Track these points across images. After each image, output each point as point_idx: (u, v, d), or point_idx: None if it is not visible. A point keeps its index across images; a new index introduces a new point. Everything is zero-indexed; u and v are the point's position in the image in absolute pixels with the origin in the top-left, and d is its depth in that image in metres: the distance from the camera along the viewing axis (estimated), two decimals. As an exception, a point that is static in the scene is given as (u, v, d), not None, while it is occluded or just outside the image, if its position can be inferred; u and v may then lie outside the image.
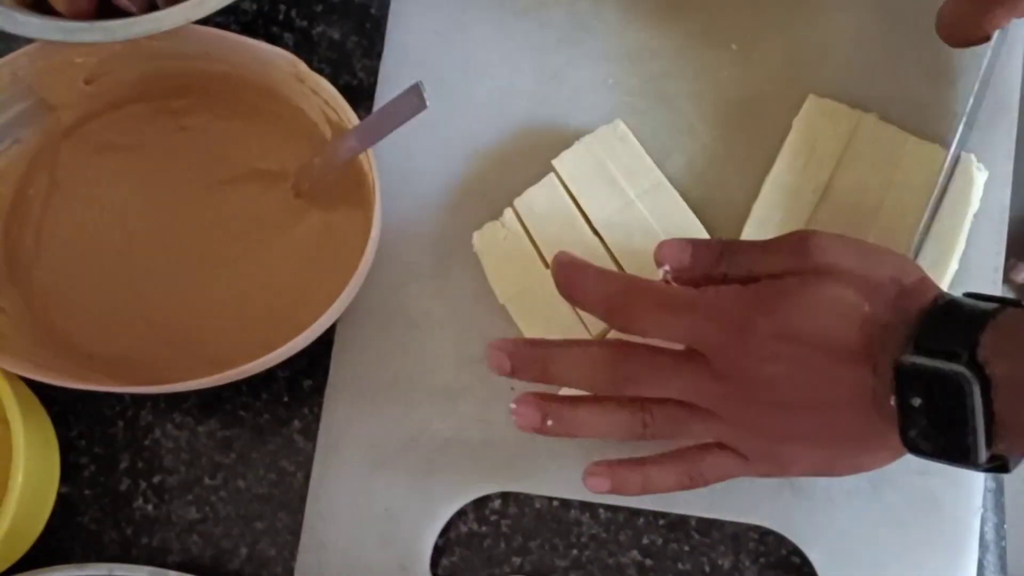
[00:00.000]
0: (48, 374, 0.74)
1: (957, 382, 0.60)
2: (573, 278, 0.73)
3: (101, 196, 0.83)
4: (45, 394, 0.82)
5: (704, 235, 0.79)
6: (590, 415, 0.73)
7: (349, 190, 0.79)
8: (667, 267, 0.72)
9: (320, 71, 0.81)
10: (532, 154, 0.81)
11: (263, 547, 0.82)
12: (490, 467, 0.79)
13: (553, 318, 0.78)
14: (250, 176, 0.83)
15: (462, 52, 0.84)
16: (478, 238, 0.80)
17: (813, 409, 0.68)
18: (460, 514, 0.80)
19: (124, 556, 0.82)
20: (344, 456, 0.81)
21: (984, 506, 0.77)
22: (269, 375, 0.83)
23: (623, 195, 0.79)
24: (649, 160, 0.80)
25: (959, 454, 0.62)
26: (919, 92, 0.80)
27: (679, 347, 0.71)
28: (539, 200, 0.80)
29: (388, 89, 0.83)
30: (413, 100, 0.72)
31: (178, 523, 0.83)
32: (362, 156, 0.76)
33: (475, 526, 0.81)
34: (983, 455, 0.61)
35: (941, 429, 0.62)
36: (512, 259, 0.80)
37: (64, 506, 0.83)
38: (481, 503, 0.81)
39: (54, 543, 0.82)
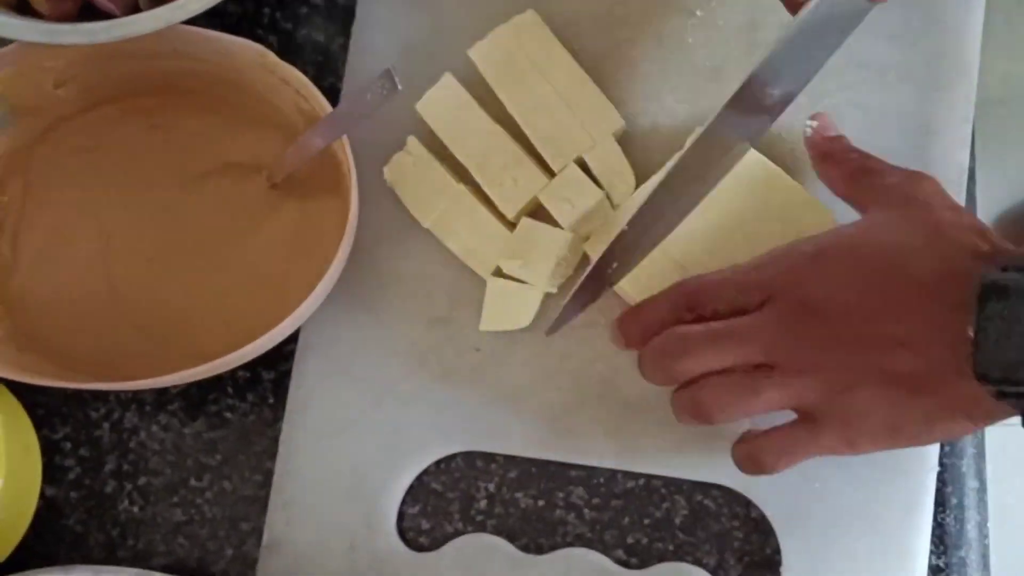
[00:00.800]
0: (29, 375, 0.73)
1: None
2: (638, 319, 0.74)
3: (76, 199, 0.82)
4: (29, 397, 0.82)
5: (615, 117, 0.80)
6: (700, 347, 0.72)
7: (324, 178, 0.79)
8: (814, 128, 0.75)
9: (305, 73, 0.80)
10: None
11: (249, 548, 0.81)
12: (455, 426, 0.80)
13: (476, 228, 0.80)
14: (224, 170, 0.82)
15: (430, 25, 0.84)
16: (388, 171, 0.81)
17: (886, 344, 0.66)
18: (425, 473, 0.80)
19: (110, 558, 0.82)
20: (312, 415, 0.81)
21: (966, 504, 0.78)
22: (255, 376, 0.83)
23: (536, 82, 0.80)
24: (561, 47, 0.81)
25: None
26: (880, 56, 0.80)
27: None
28: (439, 100, 0.81)
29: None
30: (386, 84, 0.72)
31: (164, 525, 0.82)
32: (336, 143, 0.76)
33: (440, 485, 0.81)
34: None
35: (1020, 348, 0.59)
36: (424, 183, 0.80)
37: (49, 508, 0.82)
38: (447, 462, 0.81)
39: (39, 546, 0.81)
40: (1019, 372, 0.60)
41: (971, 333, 0.61)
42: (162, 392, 0.83)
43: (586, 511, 0.80)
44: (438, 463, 0.81)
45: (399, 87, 0.72)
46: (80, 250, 0.82)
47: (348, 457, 0.80)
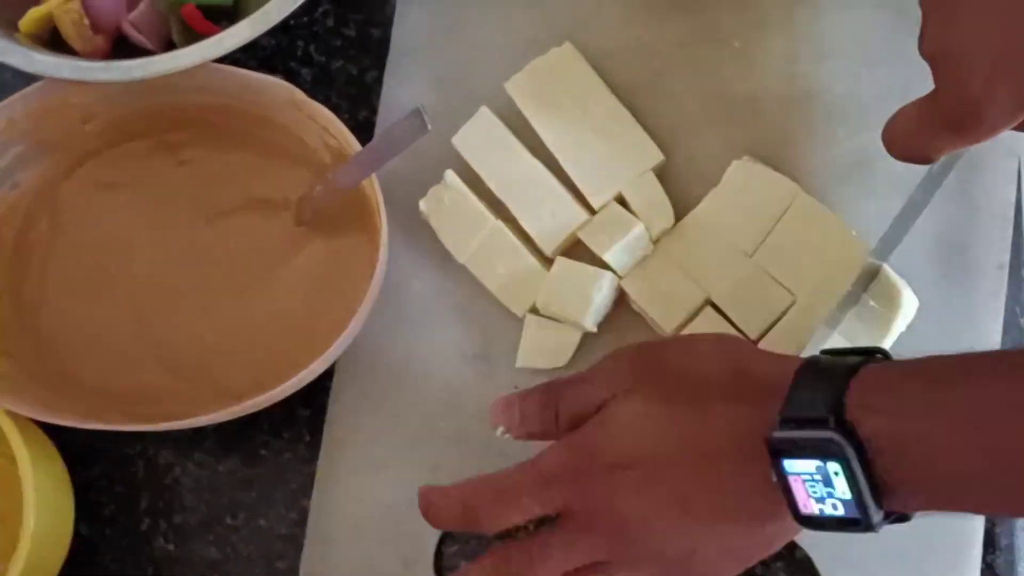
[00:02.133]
0: (59, 415, 0.72)
1: (830, 449, 0.57)
2: (426, 507, 0.69)
3: (103, 235, 0.81)
4: (62, 434, 0.79)
5: (654, 151, 0.77)
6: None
7: (352, 216, 0.77)
8: (501, 428, 0.70)
9: (339, 106, 0.79)
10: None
11: (285, 587, 0.80)
12: (492, 466, 0.75)
13: (513, 265, 0.77)
14: (251, 206, 0.81)
15: (463, 53, 0.82)
16: (424, 204, 0.78)
17: (705, 521, 0.63)
18: None
19: None
20: (348, 453, 0.79)
21: (1016, 545, 0.76)
22: (290, 413, 0.81)
23: (574, 116, 0.78)
24: (599, 80, 0.79)
25: (852, 521, 0.58)
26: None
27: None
28: (475, 134, 0.79)
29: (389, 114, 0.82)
30: (415, 123, 0.71)
31: (199, 563, 0.80)
32: (365, 182, 0.74)
33: None
34: (876, 517, 0.58)
35: (827, 499, 0.58)
36: (461, 217, 0.78)
37: (84, 546, 0.81)
38: None
39: None
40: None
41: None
42: (196, 429, 0.81)
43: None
44: None
45: (428, 127, 0.70)
46: (107, 286, 0.81)
47: (385, 496, 0.78)
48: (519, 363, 0.78)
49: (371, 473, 0.79)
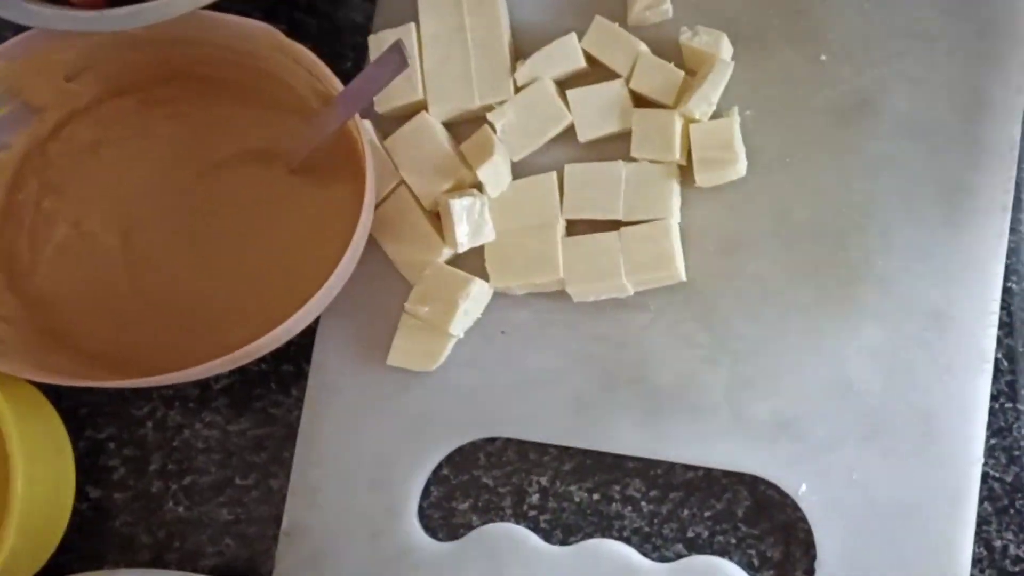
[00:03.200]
0: (52, 375, 0.70)
1: None
2: None
3: (93, 194, 0.79)
4: (71, 397, 0.79)
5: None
6: None
7: (341, 161, 0.75)
8: None
9: (345, 56, 0.77)
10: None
11: (297, 548, 0.78)
12: (481, 412, 0.75)
13: (412, 233, 0.76)
14: (242, 156, 0.79)
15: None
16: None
17: None
18: (449, 460, 0.76)
19: (157, 560, 0.78)
20: (335, 400, 0.77)
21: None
22: (299, 371, 0.79)
23: None
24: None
25: None
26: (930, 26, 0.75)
27: None
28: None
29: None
30: (395, 59, 0.69)
31: (211, 525, 0.78)
32: (351, 124, 0.72)
33: (464, 473, 0.76)
34: None
35: None
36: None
37: (95, 510, 0.79)
38: (474, 450, 0.76)
39: (85, 548, 0.78)
40: None
41: None
42: (206, 389, 0.80)
43: (643, 504, 0.75)
44: (461, 449, 0.76)
45: (408, 62, 0.68)
46: (99, 245, 0.79)
47: (370, 443, 0.76)
48: (389, 361, 0.75)
49: (357, 421, 0.76)
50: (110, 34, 0.72)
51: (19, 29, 0.73)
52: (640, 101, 0.76)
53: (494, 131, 0.76)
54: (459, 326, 0.74)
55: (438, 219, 0.76)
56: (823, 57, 0.75)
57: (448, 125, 0.78)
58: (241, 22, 0.73)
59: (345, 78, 0.72)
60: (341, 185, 0.76)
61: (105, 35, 0.73)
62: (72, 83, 0.77)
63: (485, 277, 0.75)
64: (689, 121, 0.74)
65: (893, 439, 0.71)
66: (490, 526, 0.75)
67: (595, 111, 0.75)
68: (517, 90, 0.76)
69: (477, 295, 0.74)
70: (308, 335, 0.77)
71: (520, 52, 0.77)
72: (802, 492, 0.72)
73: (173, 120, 0.80)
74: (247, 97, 0.78)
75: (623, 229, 0.74)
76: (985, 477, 0.72)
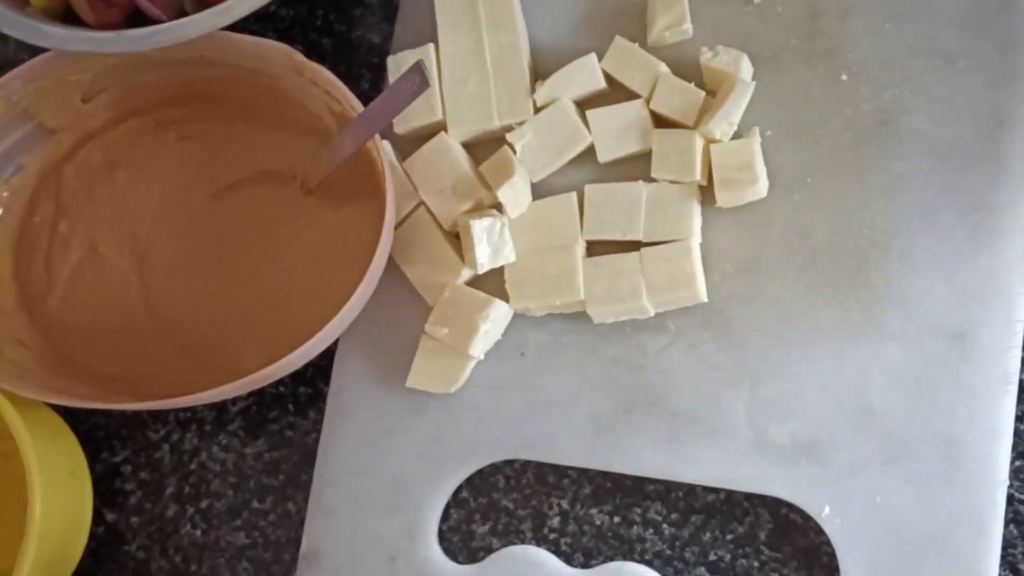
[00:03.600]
0: (68, 398, 0.70)
1: None
2: None
3: (108, 216, 0.79)
4: (86, 420, 0.78)
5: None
6: None
7: (359, 182, 0.75)
8: None
9: (361, 76, 0.76)
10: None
11: (315, 572, 0.77)
12: (499, 434, 0.74)
13: (430, 254, 0.75)
14: (257, 178, 0.79)
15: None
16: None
17: None
18: (469, 482, 0.75)
19: None
20: (353, 421, 0.76)
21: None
22: (316, 393, 0.78)
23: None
24: None
25: None
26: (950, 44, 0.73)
27: None
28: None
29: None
30: (416, 79, 0.68)
31: (227, 549, 0.77)
32: (369, 144, 0.71)
33: (484, 496, 0.75)
34: None
35: None
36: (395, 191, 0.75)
37: (110, 534, 0.78)
38: (493, 472, 0.76)
39: (101, 573, 0.78)
40: None
41: None
42: (222, 412, 0.79)
43: (665, 527, 0.74)
44: (481, 472, 0.75)
45: (430, 83, 0.68)
46: (114, 268, 0.79)
47: (389, 465, 0.75)
48: (408, 383, 0.74)
49: (375, 443, 0.75)
50: (126, 55, 0.72)
51: (35, 51, 0.72)
52: (660, 121, 0.75)
53: (514, 152, 0.75)
54: (479, 348, 0.73)
55: (458, 240, 0.75)
56: (843, 77, 0.74)
57: (467, 146, 0.77)
58: (257, 42, 0.72)
59: (362, 99, 0.71)
60: (359, 206, 0.76)
61: (121, 56, 0.72)
62: (88, 105, 0.77)
63: (505, 298, 0.74)
64: (710, 141, 0.73)
65: (916, 462, 0.70)
66: (510, 548, 0.74)
67: (615, 131, 0.74)
68: (537, 110, 0.76)
69: (497, 316, 0.73)
70: (327, 356, 0.76)
71: (539, 73, 0.77)
72: (825, 515, 0.70)
73: (187, 141, 0.80)
74: (263, 118, 0.78)
75: (643, 250, 0.73)
76: (1010, 499, 0.71)
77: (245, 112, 0.78)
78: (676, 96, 0.74)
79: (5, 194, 0.77)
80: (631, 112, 0.74)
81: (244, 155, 0.79)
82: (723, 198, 0.73)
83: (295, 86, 0.74)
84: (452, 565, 0.74)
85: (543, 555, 0.73)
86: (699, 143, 0.73)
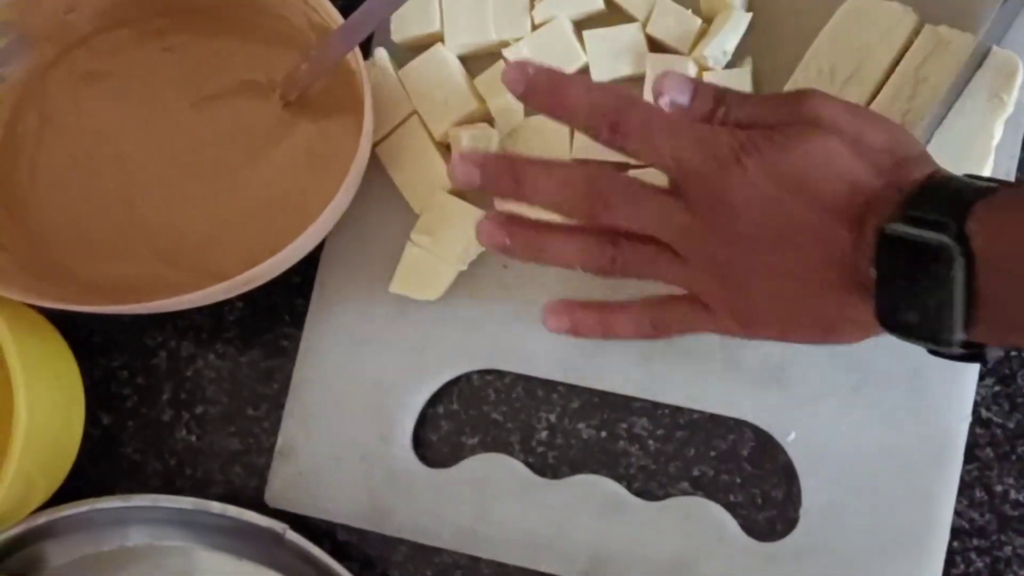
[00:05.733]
0: (50, 300, 0.70)
1: (941, 253, 0.54)
2: (558, 88, 0.66)
3: (91, 125, 0.78)
4: (84, 325, 0.78)
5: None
6: (555, 239, 0.68)
7: (340, 95, 0.74)
8: (666, 99, 0.65)
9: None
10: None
11: (306, 479, 0.76)
12: (480, 343, 0.75)
13: (417, 161, 0.76)
14: (238, 89, 0.78)
15: None
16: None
17: (781, 254, 0.61)
18: (460, 394, 0.77)
19: (167, 487, 0.78)
20: (334, 323, 0.77)
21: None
22: (309, 304, 0.78)
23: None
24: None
25: (934, 332, 0.56)
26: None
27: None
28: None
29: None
30: None
31: (221, 454, 0.78)
32: (349, 57, 0.70)
33: (474, 408, 0.76)
34: (959, 334, 0.55)
35: (918, 303, 0.56)
36: (383, 100, 0.76)
37: (106, 437, 0.79)
38: (484, 386, 0.77)
39: (97, 474, 0.79)
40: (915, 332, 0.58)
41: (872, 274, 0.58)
42: (218, 320, 0.79)
43: (650, 442, 0.74)
44: (471, 383, 0.76)
45: None
46: (97, 176, 0.78)
47: (367, 368, 0.76)
48: (391, 288, 0.75)
49: (355, 346, 0.76)
50: None
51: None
52: (656, 46, 0.74)
53: None
54: (463, 257, 0.73)
55: (448, 151, 0.75)
56: None
57: (463, 59, 0.76)
58: None
59: (347, 13, 0.70)
60: (339, 118, 0.75)
61: None
62: (70, 15, 0.76)
63: (491, 210, 0.73)
64: (703, 68, 0.72)
65: (882, 392, 0.70)
66: (481, 455, 0.75)
67: (610, 53, 0.74)
68: (534, 28, 0.75)
69: None
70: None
71: None
72: (791, 439, 0.71)
73: (169, 52, 0.78)
74: (243, 30, 0.77)
75: (631, 171, 0.72)
76: (988, 423, 0.71)
77: (228, 24, 0.77)
78: (672, 21, 0.73)
79: None
80: (627, 35, 0.74)
81: (226, 66, 0.78)
82: (714, 124, 0.72)
83: None
84: (422, 467, 0.75)
85: (513, 463, 0.74)
86: (692, 69, 0.71)
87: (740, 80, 0.72)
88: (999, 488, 0.72)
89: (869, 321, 0.58)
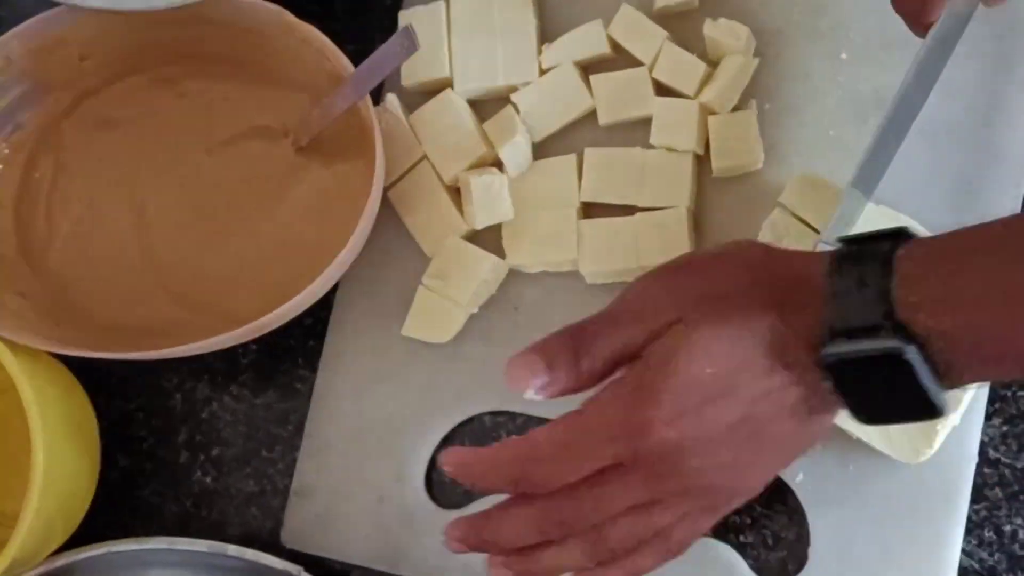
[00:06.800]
0: (68, 347, 0.71)
1: (891, 357, 0.52)
2: (464, 470, 0.62)
3: (106, 171, 0.79)
4: (100, 368, 0.78)
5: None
6: (549, 556, 0.62)
7: (351, 140, 0.75)
8: (529, 392, 0.61)
9: (374, 39, 0.77)
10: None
11: (321, 520, 0.76)
12: (490, 384, 0.76)
13: (431, 207, 0.77)
14: (250, 134, 0.79)
15: None
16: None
17: (759, 449, 0.58)
18: (472, 435, 0.77)
19: (184, 529, 0.78)
20: (348, 365, 0.77)
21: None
22: (325, 346, 0.78)
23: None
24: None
25: (918, 413, 0.54)
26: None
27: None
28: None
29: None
30: (404, 42, 0.69)
31: (237, 496, 0.78)
32: (360, 104, 0.71)
33: (471, 444, 0.76)
34: (940, 401, 0.53)
35: (893, 400, 0.54)
36: (394, 145, 0.77)
37: (123, 479, 0.79)
38: (495, 427, 0.77)
39: (114, 516, 0.79)
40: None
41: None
42: (232, 363, 0.79)
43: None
44: (484, 425, 0.77)
45: (418, 45, 0.68)
46: (113, 222, 0.79)
47: (381, 409, 0.77)
48: (404, 331, 0.75)
49: (369, 386, 0.77)
50: (124, 14, 0.72)
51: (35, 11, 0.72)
52: (662, 90, 0.74)
53: (517, 112, 0.75)
54: (473, 300, 0.74)
55: (458, 194, 0.75)
56: (843, 55, 0.74)
57: (472, 103, 0.76)
58: (251, 3, 0.72)
59: (357, 60, 0.71)
60: (350, 163, 0.76)
61: (119, 15, 0.72)
62: (85, 63, 0.77)
63: (501, 254, 0.74)
64: (709, 112, 0.72)
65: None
66: (492, 497, 0.75)
67: (617, 96, 0.74)
68: (542, 72, 0.75)
69: (492, 271, 0.74)
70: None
71: (547, 35, 0.77)
72: (799, 480, 0.71)
73: (183, 99, 0.80)
74: (256, 76, 0.78)
75: (638, 214, 0.72)
76: (996, 463, 0.71)
77: (240, 70, 0.78)
78: (678, 65, 0.73)
79: (6, 151, 0.77)
80: (634, 79, 0.74)
81: (238, 112, 0.79)
82: (719, 168, 0.72)
83: (287, 44, 0.74)
84: (435, 508, 0.75)
85: None
86: (698, 113, 0.72)
87: (746, 123, 0.73)
88: (1008, 528, 0.72)
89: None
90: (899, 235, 0.55)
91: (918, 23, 0.66)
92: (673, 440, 0.57)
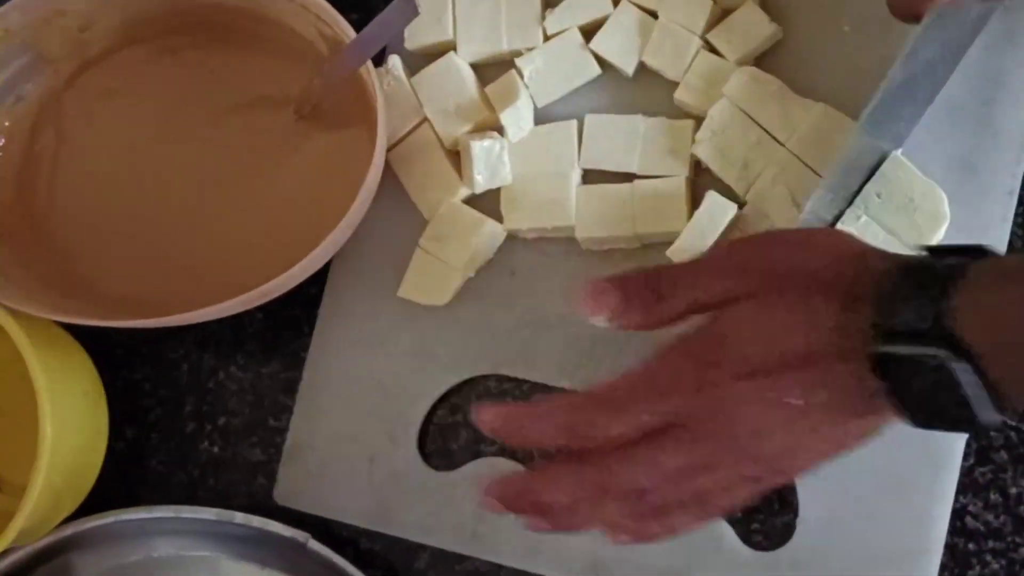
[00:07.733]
0: (72, 316, 0.71)
1: (936, 366, 0.52)
2: (510, 427, 0.61)
3: (108, 142, 0.79)
4: (106, 339, 0.79)
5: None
6: (585, 512, 0.61)
7: (352, 107, 0.74)
8: (601, 319, 0.61)
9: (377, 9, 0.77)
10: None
11: (327, 488, 0.76)
12: (484, 349, 0.76)
13: (429, 168, 0.77)
14: (252, 103, 0.79)
15: None
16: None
17: (812, 432, 0.58)
18: (466, 397, 0.77)
19: (191, 498, 0.79)
20: (344, 326, 0.78)
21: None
22: (321, 308, 0.78)
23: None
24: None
25: (969, 426, 0.54)
26: None
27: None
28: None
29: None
30: (406, 7, 0.68)
31: (244, 465, 0.78)
32: (362, 70, 0.71)
33: (465, 407, 0.77)
34: (995, 419, 0.53)
35: (941, 407, 0.54)
36: (395, 107, 0.77)
37: (130, 449, 0.80)
38: (490, 390, 0.77)
39: (122, 486, 0.79)
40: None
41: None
42: (238, 332, 0.79)
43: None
44: (488, 388, 0.77)
45: (419, 10, 0.68)
46: (116, 192, 0.79)
47: (375, 371, 0.77)
48: (400, 292, 0.75)
49: (364, 348, 0.77)
50: None
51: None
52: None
53: (521, 77, 0.74)
54: (470, 264, 0.74)
55: (458, 158, 0.75)
56: (845, 28, 0.73)
57: (475, 67, 0.76)
58: None
59: (359, 26, 0.70)
60: (352, 130, 0.75)
61: None
62: (85, 34, 0.76)
63: (499, 218, 0.74)
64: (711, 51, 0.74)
65: None
66: (484, 459, 0.75)
67: (621, 46, 0.75)
68: (546, 37, 0.75)
69: (490, 235, 0.74)
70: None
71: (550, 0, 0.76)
72: None
73: (183, 68, 0.79)
74: (256, 44, 0.78)
75: (636, 182, 0.72)
76: (1003, 426, 0.71)
77: (240, 39, 0.77)
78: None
79: (7, 123, 0.77)
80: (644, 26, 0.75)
81: (240, 81, 0.78)
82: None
83: (286, 11, 0.74)
84: (426, 469, 0.75)
85: (512, 466, 0.75)
86: (696, 44, 0.73)
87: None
88: (1014, 490, 0.71)
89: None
90: (978, 250, 0.56)
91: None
92: (739, 398, 0.57)
